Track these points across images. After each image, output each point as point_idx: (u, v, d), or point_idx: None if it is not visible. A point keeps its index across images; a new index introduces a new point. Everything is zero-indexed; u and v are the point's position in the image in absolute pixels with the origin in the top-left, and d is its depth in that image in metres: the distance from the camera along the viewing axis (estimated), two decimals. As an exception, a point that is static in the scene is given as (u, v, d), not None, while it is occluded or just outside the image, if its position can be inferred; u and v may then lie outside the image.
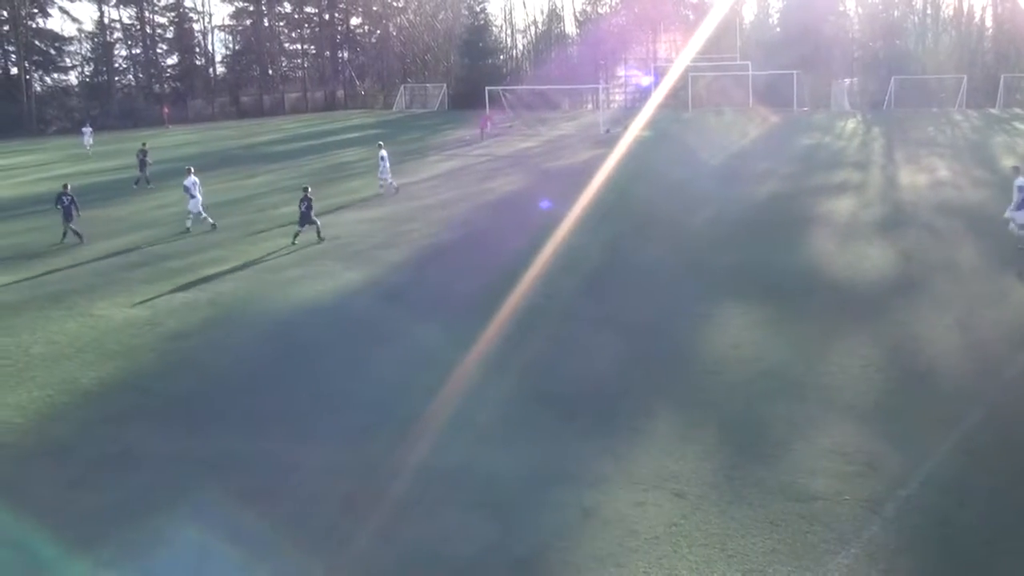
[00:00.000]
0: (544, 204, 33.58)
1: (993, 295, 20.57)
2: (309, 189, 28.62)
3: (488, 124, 64.98)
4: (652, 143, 56.30)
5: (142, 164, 42.33)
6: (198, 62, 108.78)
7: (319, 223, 28.06)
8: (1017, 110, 76.57)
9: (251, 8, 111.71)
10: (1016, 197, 23.97)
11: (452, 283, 22.87)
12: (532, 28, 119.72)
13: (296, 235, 27.76)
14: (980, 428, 13.47)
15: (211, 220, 30.91)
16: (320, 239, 27.65)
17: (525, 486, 12.04)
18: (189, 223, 30.68)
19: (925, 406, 14.40)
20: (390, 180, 37.82)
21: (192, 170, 31.04)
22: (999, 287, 21.21)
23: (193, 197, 30.43)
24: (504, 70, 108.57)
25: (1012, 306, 19.72)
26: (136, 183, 41.97)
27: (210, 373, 16.92)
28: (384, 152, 37.92)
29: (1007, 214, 24.51)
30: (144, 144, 44.77)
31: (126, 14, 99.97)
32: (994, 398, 14.63)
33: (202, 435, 14.06)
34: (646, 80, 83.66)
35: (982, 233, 26.48)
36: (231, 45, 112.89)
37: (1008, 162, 43.01)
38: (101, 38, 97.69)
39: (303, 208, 27.69)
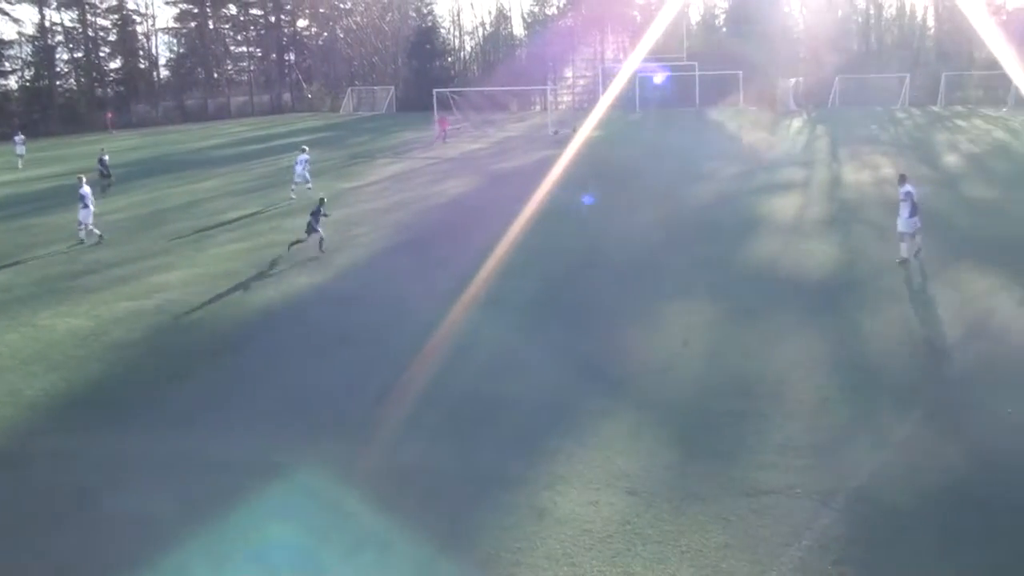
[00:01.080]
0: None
1: (937, 291, 20.87)
2: (324, 200, 27.91)
3: (447, 124, 65.02)
4: (602, 144, 56.49)
5: (103, 169, 41.47)
6: (142, 65, 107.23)
7: (308, 237, 26.71)
8: (958, 108, 77.98)
9: (195, 10, 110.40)
10: (906, 205, 22.77)
11: (404, 287, 22.74)
12: (480, 30, 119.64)
13: (319, 242, 26.74)
14: (927, 420, 13.69)
15: (97, 233, 29.60)
16: (289, 249, 26.63)
17: (478, 488, 12.00)
18: (83, 233, 29.55)
19: (872, 400, 14.58)
20: (307, 185, 37.78)
21: (84, 179, 30.18)
22: (943, 283, 21.52)
23: (86, 207, 29.35)
24: (452, 72, 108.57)
25: (959, 299, 20.03)
26: (107, 188, 40.92)
27: (158, 382, 16.62)
28: (304, 156, 37.98)
29: (900, 228, 23.07)
30: (103, 149, 44.19)
31: (67, 17, 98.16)
32: (940, 391, 14.88)
33: (149, 443, 13.83)
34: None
35: (927, 228, 26.84)
36: (175, 48, 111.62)
37: (950, 159, 43.91)
38: (42, 41, 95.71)
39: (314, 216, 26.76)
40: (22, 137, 58.45)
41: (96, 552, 10.78)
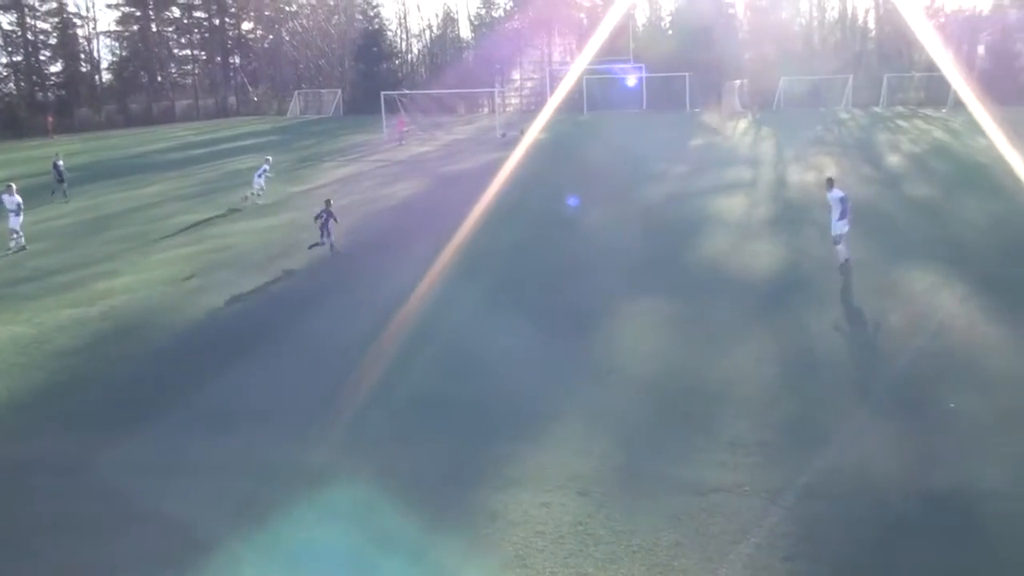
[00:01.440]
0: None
1: (881, 289, 21.19)
2: (331, 202, 27.03)
3: (404, 126, 65.00)
4: (550, 146, 56.61)
5: (58, 174, 40.61)
6: (83, 69, 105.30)
7: (326, 241, 26.36)
8: (900, 108, 79.29)
9: (138, 13, 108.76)
10: (836, 209, 22.48)
11: (351, 292, 22.61)
12: (427, 32, 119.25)
13: (314, 245, 26.46)
14: (873, 416, 13.89)
15: (16, 245, 29.06)
16: (310, 248, 26.31)
17: (430, 491, 11.97)
18: (21, 240, 29.08)
19: (819, 397, 14.78)
20: (255, 192, 37.37)
21: (15, 187, 29.53)
22: (886, 281, 21.86)
23: (17, 215, 28.94)
24: (399, 75, 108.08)
25: (903, 297, 20.36)
26: (63, 194, 40.22)
27: (102, 389, 16.40)
28: (266, 166, 37.96)
29: (834, 232, 22.59)
30: (58, 154, 43.46)
31: (6, 20, 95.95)
32: (885, 387, 15.10)
33: (93, 450, 13.61)
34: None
35: (869, 229, 27.27)
36: (118, 51, 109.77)
37: (893, 159, 44.61)
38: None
39: (323, 219, 26.24)
40: None
41: (49, 557, 10.64)
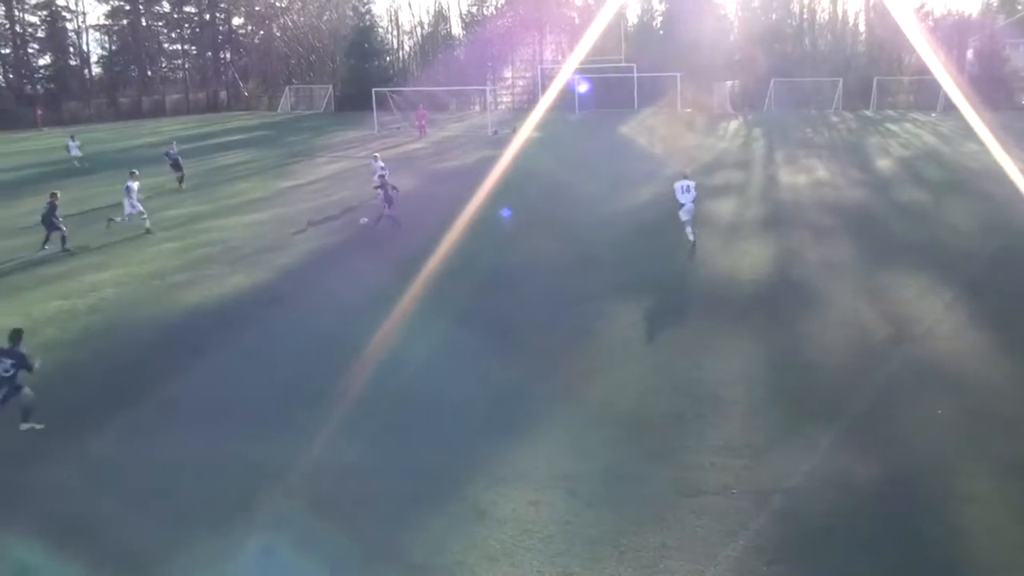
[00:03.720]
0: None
1: (872, 291, 21.26)
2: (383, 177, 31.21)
3: (423, 118, 65.15)
4: (541, 144, 56.53)
5: (174, 161, 41.07)
6: (73, 62, 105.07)
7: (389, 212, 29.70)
8: (889, 112, 79.41)
9: (128, 8, 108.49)
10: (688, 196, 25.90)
11: (342, 288, 22.58)
12: (418, 29, 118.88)
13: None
14: (861, 421, 13.94)
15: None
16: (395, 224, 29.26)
17: (419, 489, 11.99)
18: None
19: (808, 400, 14.82)
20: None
21: None
22: (878, 283, 21.93)
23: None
24: (391, 71, 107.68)
25: (890, 302, 20.41)
26: (179, 181, 40.84)
27: (91, 383, 16.38)
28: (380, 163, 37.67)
29: (684, 216, 26.15)
30: (173, 142, 43.30)
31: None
32: (873, 392, 15.13)
33: (82, 444, 13.60)
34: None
35: (860, 231, 27.35)
36: (107, 45, 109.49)
37: (882, 162, 44.70)
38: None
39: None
40: None
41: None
